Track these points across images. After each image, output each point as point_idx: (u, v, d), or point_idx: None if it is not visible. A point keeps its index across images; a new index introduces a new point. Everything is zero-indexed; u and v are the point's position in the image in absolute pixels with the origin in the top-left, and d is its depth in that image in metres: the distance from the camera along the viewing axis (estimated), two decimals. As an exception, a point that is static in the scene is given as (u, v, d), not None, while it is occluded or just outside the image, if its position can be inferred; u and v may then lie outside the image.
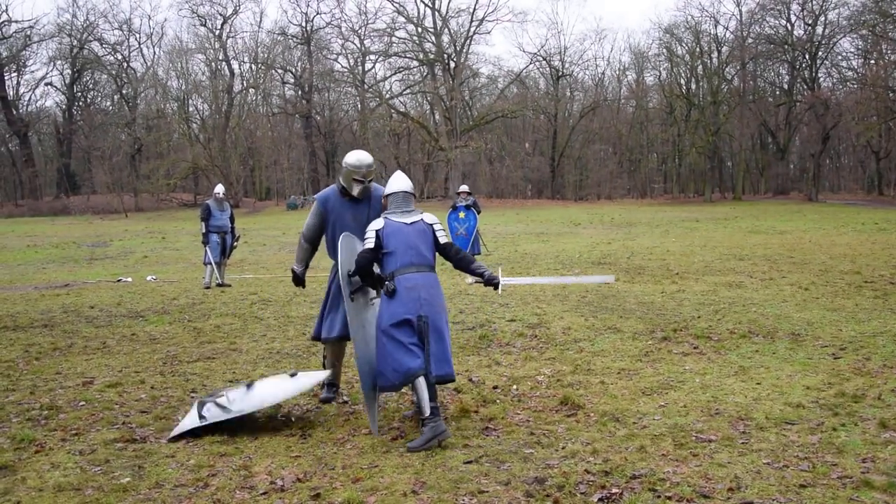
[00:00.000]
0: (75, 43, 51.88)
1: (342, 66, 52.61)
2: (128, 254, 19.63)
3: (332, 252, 4.81)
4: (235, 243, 12.17)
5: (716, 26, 50.08)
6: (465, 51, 49.84)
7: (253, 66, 52.46)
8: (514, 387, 5.21)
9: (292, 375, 4.52)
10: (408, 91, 53.57)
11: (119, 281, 13.03)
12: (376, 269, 4.40)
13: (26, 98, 54.39)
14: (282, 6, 78.72)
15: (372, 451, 3.96)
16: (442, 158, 47.20)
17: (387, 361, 4.16)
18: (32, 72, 71.42)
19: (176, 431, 4.28)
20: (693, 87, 52.41)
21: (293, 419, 4.62)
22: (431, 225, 4.47)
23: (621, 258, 14.28)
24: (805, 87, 49.81)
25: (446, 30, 49.36)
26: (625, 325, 7.31)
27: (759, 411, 4.44)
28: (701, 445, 3.89)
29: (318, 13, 58.47)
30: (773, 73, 54.62)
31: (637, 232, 22.43)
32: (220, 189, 12.20)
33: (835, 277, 10.39)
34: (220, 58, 51.89)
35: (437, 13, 49.19)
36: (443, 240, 4.47)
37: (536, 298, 9.17)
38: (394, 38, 50.20)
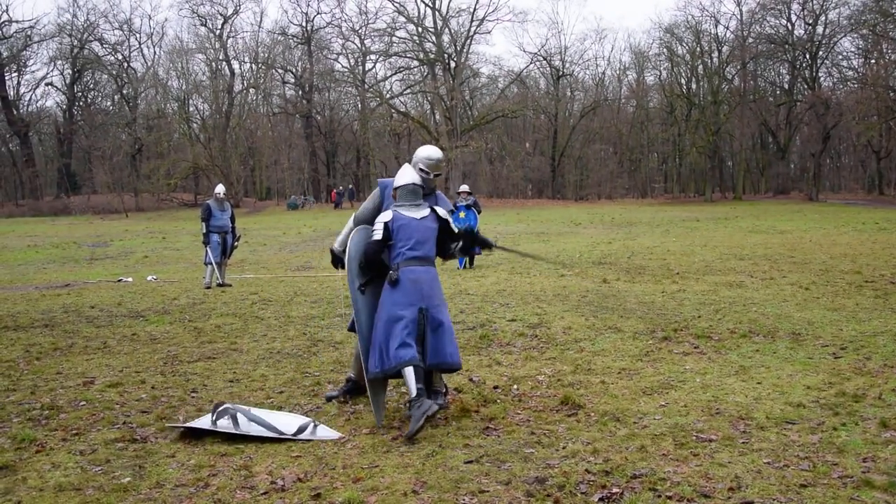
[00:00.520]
0: (76, 43, 51.90)
1: (342, 66, 52.67)
2: (128, 254, 19.64)
3: None
4: (236, 243, 12.17)
5: (716, 26, 50.14)
6: (465, 50, 49.83)
7: (253, 66, 52.51)
8: (515, 386, 5.22)
9: (315, 425, 4.32)
10: (408, 91, 53.59)
11: (119, 281, 13.04)
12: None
13: (27, 98, 54.50)
14: (282, 6, 78.72)
15: (372, 451, 3.96)
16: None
17: (379, 349, 4.27)
18: (33, 72, 71.57)
19: (182, 424, 4.32)
20: (693, 86, 52.41)
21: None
22: (445, 218, 4.66)
23: (622, 258, 14.27)
24: (805, 86, 49.80)
25: (446, 29, 49.35)
26: (625, 324, 7.31)
27: (760, 411, 4.44)
28: (701, 445, 3.89)
29: (318, 13, 58.46)
30: (773, 73, 54.64)
31: (637, 232, 22.43)
32: (220, 189, 12.20)
33: (835, 277, 10.38)
34: (221, 58, 51.90)
35: (437, 13, 49.19)
36: (454, 230, 4.73)
37: (537, 298, 9.17)
38: (394, 38, 50.22)
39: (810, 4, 47.18)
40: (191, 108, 53.47)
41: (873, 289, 9.17)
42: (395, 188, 4.64)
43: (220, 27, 51.56)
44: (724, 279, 10.60)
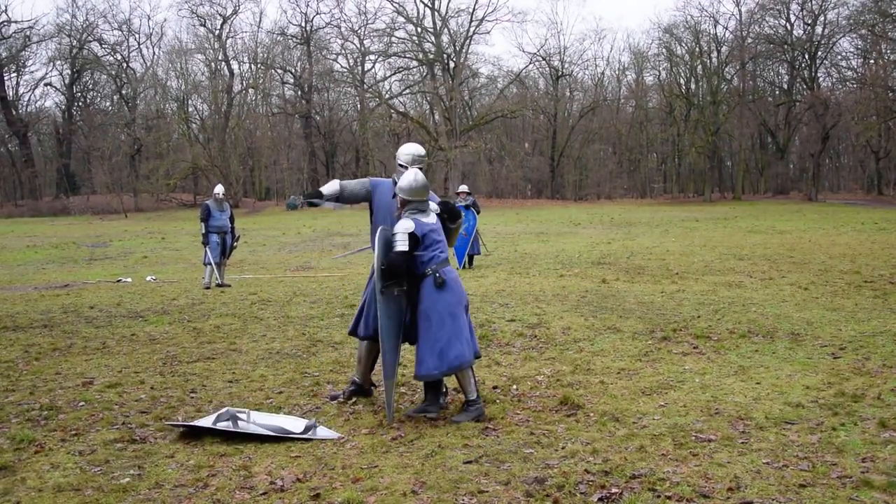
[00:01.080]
0: (75, 43, 51.85)
1: (342, 66, 52.65)
2: (127, 254, 19.63)
3: (372, 243, 4.83)
4: (235, 243, 12.17)
5: (715, 26, 50.14)
6: (464, 51, 49.85)
7: (252, 67, 52.48)
8: (514, 387, 5.22)
9: (315, 426, 4.32)
10: (407, 91, 53.59)
11: (119, 281, 13.03)
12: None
13: (26, 98, 54.42)
14: (281, 6, 78.80)
15: (372, 452, 3.96)
16: (441, 158, 47.15)
17: (439, 350, 4.35)
18: (32, 72, 71.37)
19: (184, 422, 4.33)
20: (693, 86, 52.39)
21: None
22: (438, 212, 4.77)
23: (621, 258, 14.28)
24: (805, 86, 49.83)
25: (446, 30, 49.36)
26: (624, 324, 7.31)
27: (759, 411, 4.44)
28: (701, 445, 3.89)
29: (317, 13, 58.59)
30: (772, 73, 54.66)
31: (637, 232, 22.43)
32: (219, 189, 12.20)
33: (834, 277, 10.39)
34: (220, 58, 51.88)
35: (436, 13, 49.20)
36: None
37: (536, 298, 9.17)
38: (393, 38, 50.24)
39: (809, 4, 47.24)
40: (190, 109, 53.49)
41: (872, 289, 9.17)
42: (404, 193, 4.59)
43: (219, 27, 51.56)
44: (724, 279, 10.60)
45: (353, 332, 5.02)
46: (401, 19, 49.79)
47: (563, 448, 3.91)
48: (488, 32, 71.09)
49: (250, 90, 53.21)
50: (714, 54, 50.07)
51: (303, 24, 52.03)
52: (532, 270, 12.68)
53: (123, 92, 53.44)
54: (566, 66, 53.90)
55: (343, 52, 52.03)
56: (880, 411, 4.35)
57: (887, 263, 11.85)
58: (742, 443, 3.91)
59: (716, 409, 4.50)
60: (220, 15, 51.48)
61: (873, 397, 4.64)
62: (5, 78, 49.02)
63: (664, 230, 22.88)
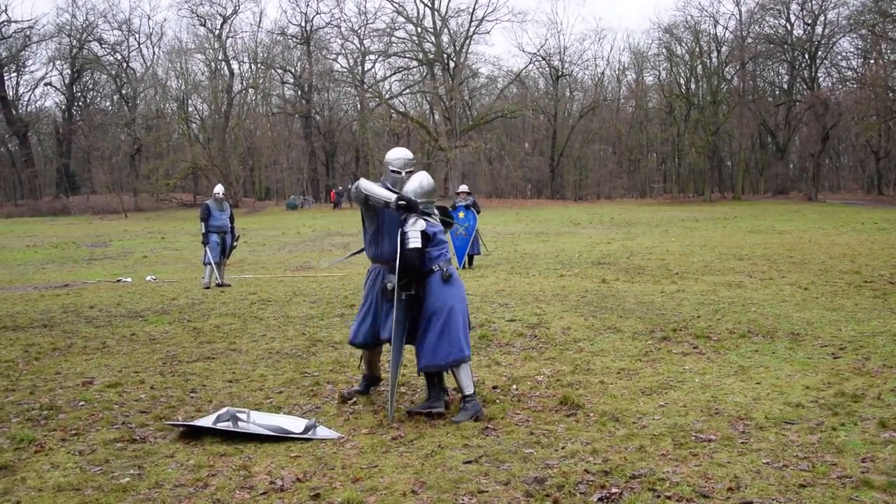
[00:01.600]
0: (75, 43, 51.88)
1: (342, 66, 52.69)
2: (127, 254, 19.63)
3: (373, 248, 4.85)
4: (235, 243, 12.16)
5: (715, 26, 50.18)
6: (464, 51, 49.87)
7: (252, 66, 52.52)
8: (514, 387, 5.22)
9: (315, 426, 4.33)
10: (407, 91, 53.64)
11: (119, 281, 13.03)
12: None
13: (26, 98, 54.49)
14: (281, 6, 78.95)
15: (371, 452, 3.96)
16: (441, 158, 47.20)
17: (448, 340, 4.46)
18: (32, 72, 71.32)
19: (184, 422, 4.34)
20: (693, 86, 52.42)
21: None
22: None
23: (621, 258, 14.28)
24: (804, 86, 49.85)
25: (446, 30, 49.38)
26: (624, 324, 7.31)
27: (759, 411, 4.44)
28: (700, 445, 3.89)
29: (317, 13, 58.65)
30: (772, 73, 54.70)
31: (636, 232, 22.43)
32: (219, 189, 12.20)
33: (834, 277, 10.39)
34: (220, 58, 51.90)
35: (436, 13, 49.21)
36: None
37: (536, 298, 9.17)
38: (393, 38, 50.27)
39: (809, 4, 47.26)
40: (190, 109, 53.52)
41: (872, 289, 9.17)
42: (416, 196, 4.68)
43: (219, 27, 51.59)
44: (724, 279, 10.60)
45: (364, 343, 4.92)
46: (401, 19, 49.88)
47: (562, 448, 3.91)
48: (488, 32, 71.25)
49: (250, 90, 53.26)
50: (714, 54, 50.10)
51: (303, 24, 52.10)
52: (532, 270, 12.68)
53: (123, 92, 53.47)
54: (566, 66, 53.98)
55: (343, 51, 52.14)
56: (880, 411, 4.35)
57: (887, 263, 11.85)
58: (742, 443, 3.91)
59: (716, 409, 4.50)
60: (220, 15, 51.57)
61: (873, 397, 4.64)
62: (5, 78, 49.07)
63: (664, 230, 22.88)
